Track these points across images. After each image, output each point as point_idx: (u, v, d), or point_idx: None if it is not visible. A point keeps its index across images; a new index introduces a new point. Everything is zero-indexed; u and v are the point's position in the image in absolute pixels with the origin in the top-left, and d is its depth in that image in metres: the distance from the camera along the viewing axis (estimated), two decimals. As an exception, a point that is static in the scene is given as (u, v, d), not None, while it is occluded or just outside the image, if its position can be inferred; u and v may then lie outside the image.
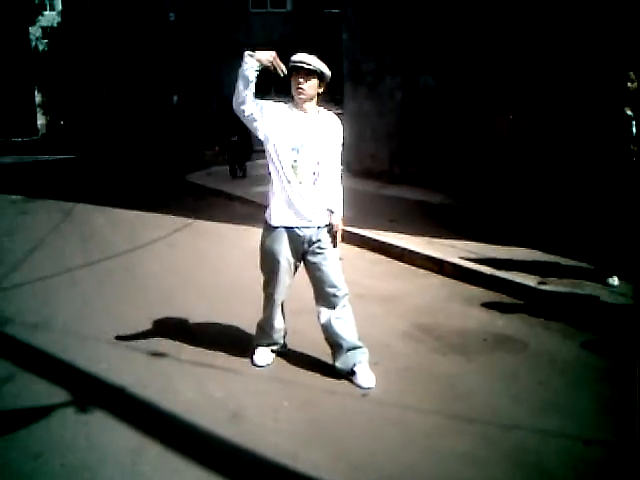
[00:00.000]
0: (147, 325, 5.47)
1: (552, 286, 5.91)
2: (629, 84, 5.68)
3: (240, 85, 3.98)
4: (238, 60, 4.02)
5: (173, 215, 10.61)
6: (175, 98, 20.97)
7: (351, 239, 7.94)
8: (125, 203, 11.86)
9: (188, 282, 6.87)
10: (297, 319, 5.46)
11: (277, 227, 4.23)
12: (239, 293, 6.33)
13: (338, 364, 4.32)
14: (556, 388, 4.26)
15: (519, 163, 8.24)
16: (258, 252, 4.44)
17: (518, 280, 6.09)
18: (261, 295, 4.59)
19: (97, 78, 27.51)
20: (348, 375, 4.32)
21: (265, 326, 4.60)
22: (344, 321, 4.30)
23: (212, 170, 16.30)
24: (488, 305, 5.85)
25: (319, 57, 4.09)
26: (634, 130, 5.68)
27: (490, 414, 3.95)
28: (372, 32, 13.09)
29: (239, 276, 6.92)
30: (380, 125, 12.71)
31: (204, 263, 7.70)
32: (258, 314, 4.68)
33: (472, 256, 6.95)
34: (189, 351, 4.92)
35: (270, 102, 4.18)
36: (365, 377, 4.26)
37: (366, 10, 13.30)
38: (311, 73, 3.99)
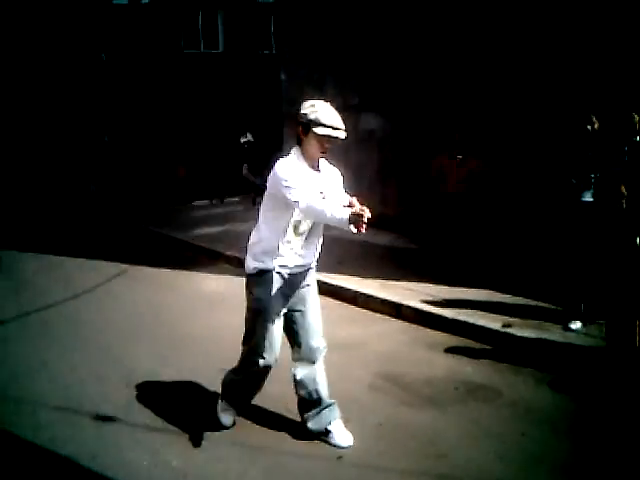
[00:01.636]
0: (92, 385, 5.01)
1: (517, 329, 5.74)
2: (589, 127, 5.65)
3: (325, 220, 3.56)
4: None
5: (109, 260, 10.06)
6: (106, 139, 20.45)
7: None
8: (57, 249, 11.21)
9: (133, 334, 6.39)
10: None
11: (273, 271, 3.76)
12: (189, 345, 5.93)
13: (311, 425, 3.97)
14: (540, 440, 4.04)
15: (477, 204, 8.14)
16: (246, 312, 3.94)
17: (482, 324, 5.91)
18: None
19: (24, 116, 26.65)
20: (321, 435, 3.98)
21: (243, 392, 4.14)
22: (323, 377, 3.98)
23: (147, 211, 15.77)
24: (453, 350, 5.63)
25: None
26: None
27: (475, 473, 3.69)
28: (311, 73, 13.01)
29: (186, 326, 6.54)
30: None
31: (148, 312, 7.22)
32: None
33: (430, 299, 6.75)
34: (140, 414, 4.48)
35: (301, 178, 3.64)
36: (342, 436, 3.94)
37: (305, 51, 13.24)
38: None
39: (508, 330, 5.74)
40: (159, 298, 7.84)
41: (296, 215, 3.66)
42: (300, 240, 3.77)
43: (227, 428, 4.19)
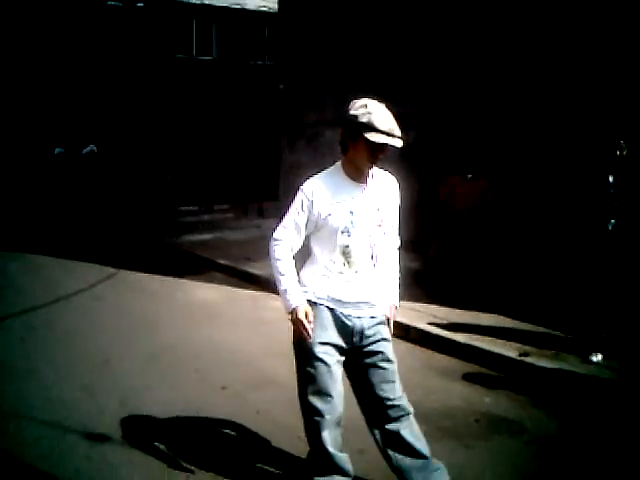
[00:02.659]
0: (81, 398, 4.62)
1: (534, 359, 5.44)
2: (618, 152, 5.39)
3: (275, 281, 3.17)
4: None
5: (94, 263, 9.63)
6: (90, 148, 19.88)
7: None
8: (38, 250, 10.73)
9: (120, 343, 6.00)
10: (259, 395, 4.80)
11: (317, 304, 3.14)
12: (183, 359, 5.58)
13: None
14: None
15: (489, 225, 7.78)
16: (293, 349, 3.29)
17: (497, 351, 5.60)
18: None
19: None
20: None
21: (322, 457, 3.29)
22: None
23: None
24: (468, 378, 5.31)
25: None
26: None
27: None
28: (311, 83, 12.73)
29: (175, 336, 6.24)
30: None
31: (135, 320, 6.83)
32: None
33: (438, 321, 6.44)
34: (135, 433, 4.10)
35: (308, 199, 3.09)
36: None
37: (305, 61, 12.96)
38: None
39: (525, 359, 5.43)
40: (150, 307, 7.46)
41: (341, 238, 3.10)
42: (351, 265, 3.15)
43: None
